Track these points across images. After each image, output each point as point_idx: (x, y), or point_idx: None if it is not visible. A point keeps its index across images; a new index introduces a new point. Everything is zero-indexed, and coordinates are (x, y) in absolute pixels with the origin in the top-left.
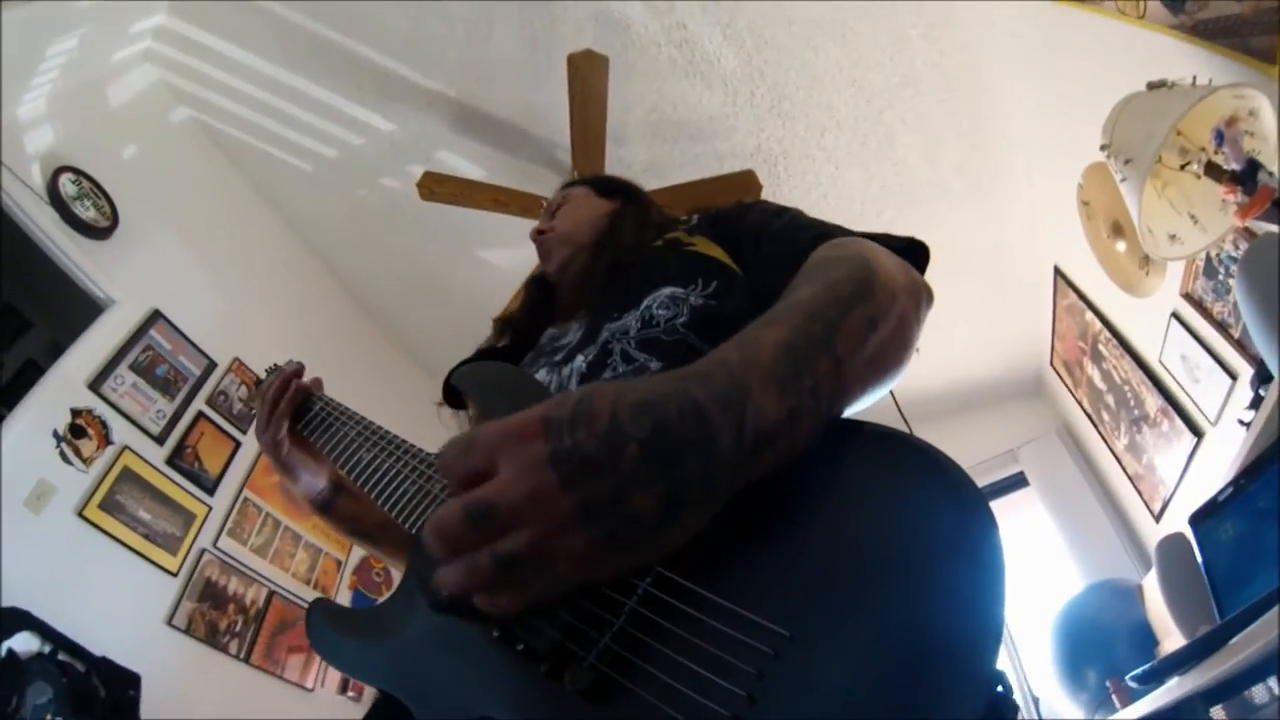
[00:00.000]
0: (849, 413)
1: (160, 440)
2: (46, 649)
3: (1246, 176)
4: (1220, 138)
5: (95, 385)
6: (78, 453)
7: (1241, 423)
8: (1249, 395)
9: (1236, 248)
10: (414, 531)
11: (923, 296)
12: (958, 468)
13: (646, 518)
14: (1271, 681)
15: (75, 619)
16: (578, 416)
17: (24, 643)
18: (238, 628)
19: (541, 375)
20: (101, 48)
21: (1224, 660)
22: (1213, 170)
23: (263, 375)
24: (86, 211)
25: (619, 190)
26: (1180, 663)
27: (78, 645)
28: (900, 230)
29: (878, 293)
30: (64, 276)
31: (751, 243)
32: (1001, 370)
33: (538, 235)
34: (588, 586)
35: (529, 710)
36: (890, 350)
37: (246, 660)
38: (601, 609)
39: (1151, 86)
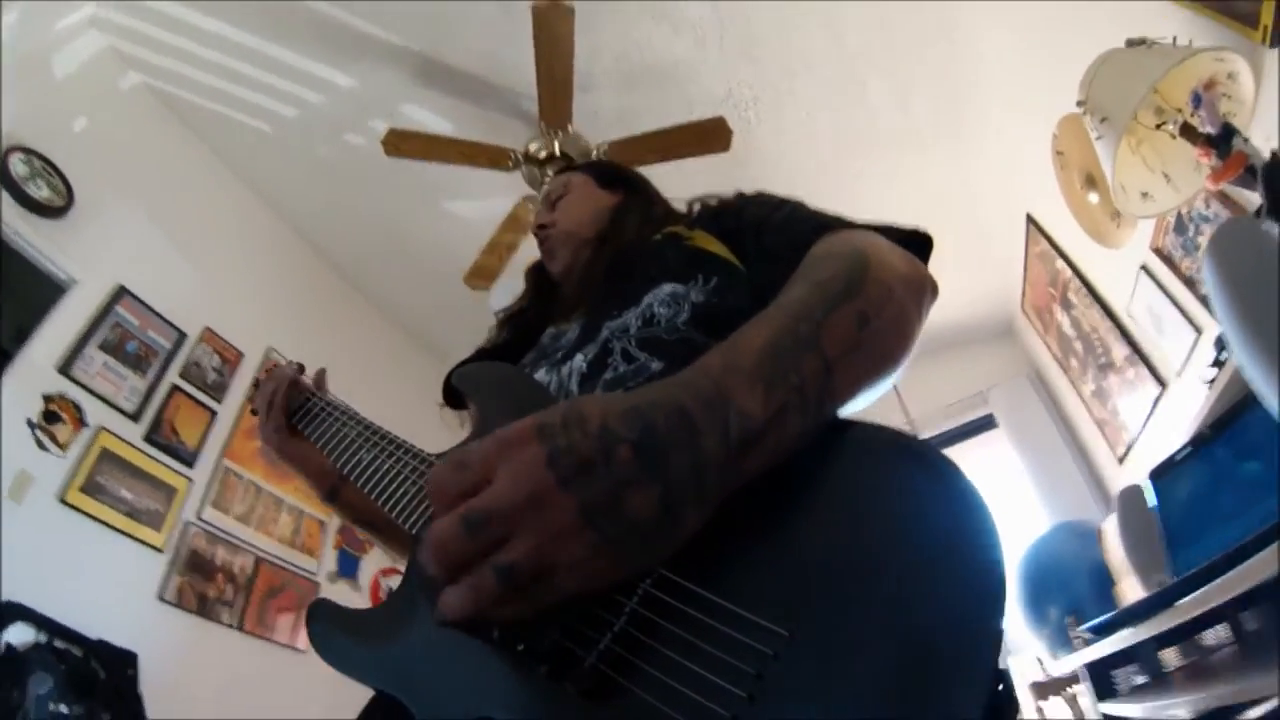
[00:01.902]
0: (848, 409)
1: (136, 417)
2: (43, 638)
3: (1221, 141)
4: (1198, 100)
5: (65, 368)
6: (54, 438)
7: (1204, 381)
8: (1212, 350)
9: (1208, 206)
10: (414, 532)
11: (925, 289)
12: (956, 467)
13: (644, 520)
14: (1222, 627)
15: (68, 605)
16: (569, 421)
17: (20, 635)
18: (228, 596)
19: (541, 375)
20: (44, 17)
21: (1175, 616)
22: (1188, 132)
23: (237, 348)
24: (40, 191)
25: (621, 180)
26: (1132, 617)
27: (73, 631)
28: (873, 175)
29: (869, 288)
30: (22, 259)
31: (752, 236)
32: (973, 314)
33: (539, 230)
34: (589, 594)
35: (529, 711)
36: (884, 346)
37: (239, 628)
38: (602, 610)
39: (1131, 43)
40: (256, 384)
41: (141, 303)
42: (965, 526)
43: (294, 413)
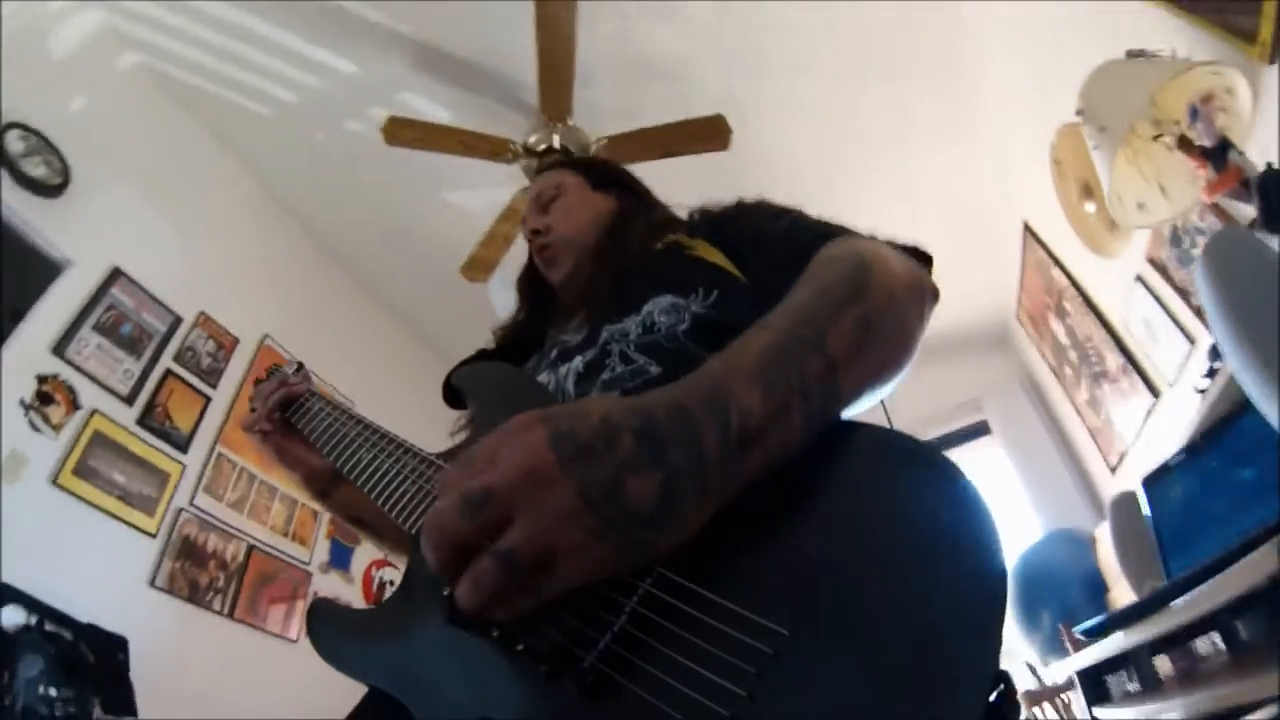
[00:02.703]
0: (851, 412)
1: (130, 401)
2: (33, 621)
3: (1217, 154)
4: (1195, 114)
5: (59, 350)
6: (47, 420)
7: (1197, 390)
8: (1205, 361)
9: (1202, 219)
10: (414, 532)
11: (926, 295)
12: (958, 468)
13: (643, 507)
14: (1215, 635)
15: (59, 588)
16: (573, 411)
17: (10, 616)
18: (219, 584)
19: (541, 377)
20: None
21: (1168, 619)
22: (1185, 145)
23: (233, 334)
24: (37, 169)
25: (615, 182)
26: (1126, 619)
27: (63, 614)
28: (871, 179)
29: (872, 292)
30: (17, 239)
31: (752, 246)
32: (969, 319)
33: (533, 235)
34: (590, 585)
35: (529, 711)
36: (887, 350)
37: (230, 615)
38: (602, 609)
39: (1131, 55)
40: (257, 383)
41: (137, 285)
42: (967, 528)
43: (291, 410)
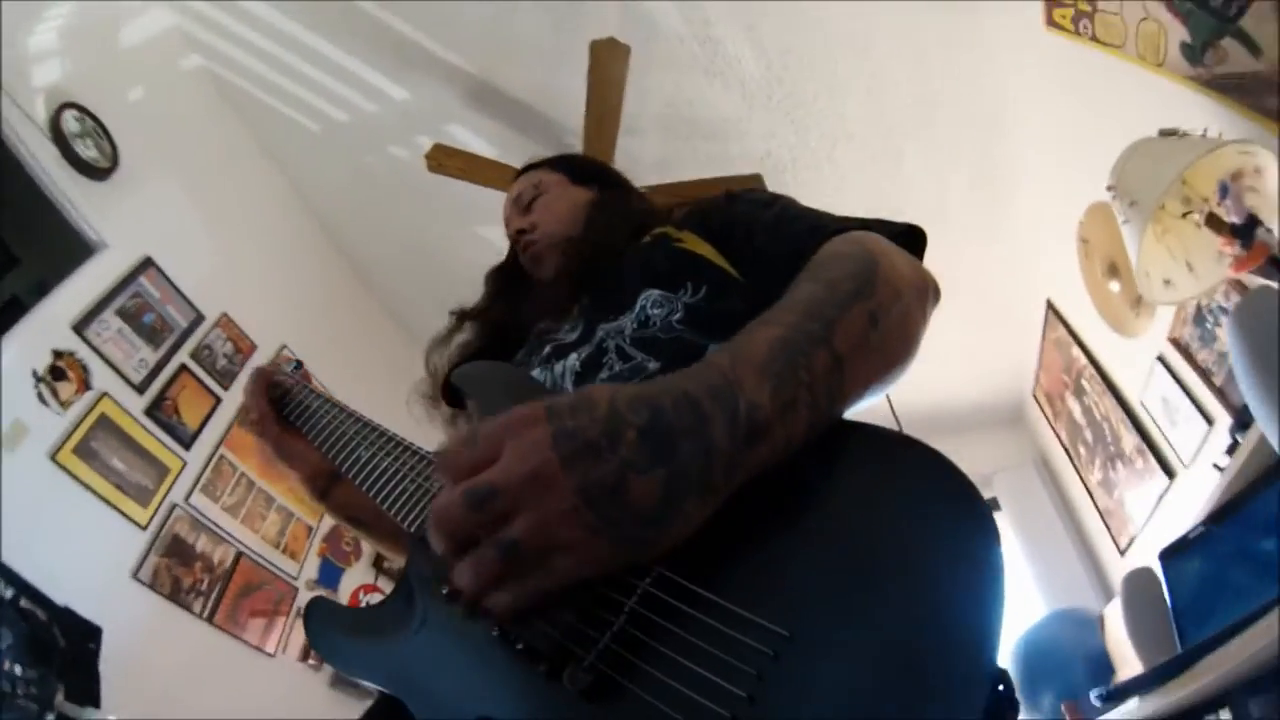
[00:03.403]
0: (853, 409)
1: (141, 389)
2: (9, 594)
3: (1245, 231)
4: (1225, 191)
5: (80, 328)
6: (55, 395)
7: (1216, 467)
8: (1224, 441)
9: (1227, 299)
10: (413, 530)
11: (929, 292)
12: (957, 469)
13: (646, 506)
14: (1224, 713)
15: (40, 565)
16: (579, 405)
17: None
18: (203, 586)
19: (534, 374)
20: None
21: (1181, 688)
22: (1213, 222)
23: (251, 340)
24: (87, 150)
25: (594, 175)
26: (1142, 685)
27: (40, 593)
28: None
29: (879, 289)
30: (57, 214)
31: (743, 235)
32: (984, 395)
33: (518, 235)
34: (590, 581)
35: (528, 710)
36: (893, 347)
37: (210, 620)
38: (601, 609)
39: (1164, 134)
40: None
41: (165, 277)
42: (967, 527)
43: (288, 408)
